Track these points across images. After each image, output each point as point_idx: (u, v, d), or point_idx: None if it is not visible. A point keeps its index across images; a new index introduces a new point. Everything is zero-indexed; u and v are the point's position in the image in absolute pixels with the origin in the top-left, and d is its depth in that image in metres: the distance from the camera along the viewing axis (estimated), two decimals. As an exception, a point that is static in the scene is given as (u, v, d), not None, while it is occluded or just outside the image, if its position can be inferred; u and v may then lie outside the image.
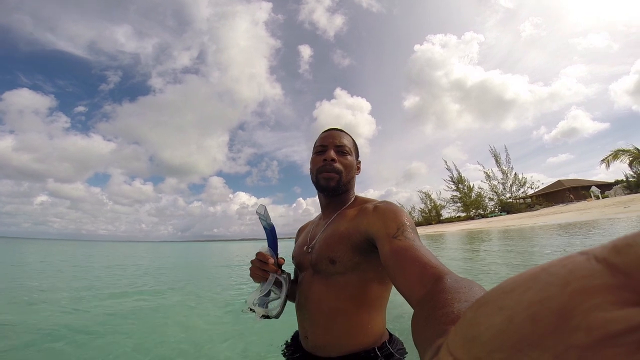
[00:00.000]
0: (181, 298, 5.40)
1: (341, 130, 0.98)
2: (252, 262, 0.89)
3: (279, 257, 0.89)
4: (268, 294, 0.86)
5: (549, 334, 0.10)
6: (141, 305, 4.79)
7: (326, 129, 0.99)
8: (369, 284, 0.80)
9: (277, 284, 0.87)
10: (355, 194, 0.99)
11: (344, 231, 0.83)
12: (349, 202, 0.95)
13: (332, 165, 0.90)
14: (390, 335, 0.88)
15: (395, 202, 0.80)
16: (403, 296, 0.54)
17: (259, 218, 0.89)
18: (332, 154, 0.90)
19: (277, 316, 0.85)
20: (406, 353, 0.86)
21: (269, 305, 0.85)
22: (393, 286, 0.77)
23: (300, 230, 1.14)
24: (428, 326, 0.34)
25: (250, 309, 0.83)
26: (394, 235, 0.66)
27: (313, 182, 0.96)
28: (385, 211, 0.74)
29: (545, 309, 0.11)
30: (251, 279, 0.89)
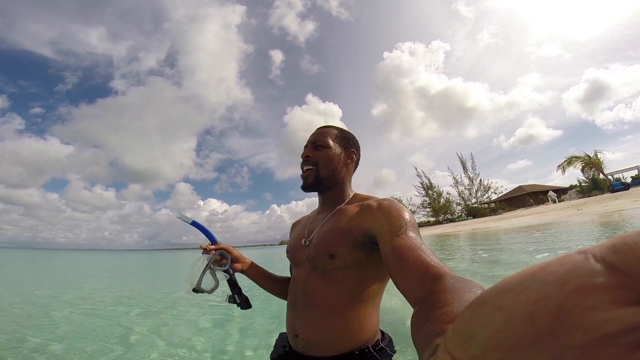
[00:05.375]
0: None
1: (325, 127, 0.97)
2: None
3: (216, 242, 1.00)
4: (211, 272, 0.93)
5: (546, 333, 0.10)
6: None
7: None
8: (367, 280, 0.79)
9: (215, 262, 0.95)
10: (354, 191, 0.97)
11: (345, 227, 0.81)
12: (348, 199, 0.93)
13: (307, 161, 0.91)
14: (383, 333, 0.87)
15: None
16: (403, 295, 0.54)
17: (183, 220, 1.00)
18: (306, 150, 0.93)
19: (208, 290, 0.90)
20: (395, 352, 0.86)
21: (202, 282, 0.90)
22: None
23: (294, 225, 1.12)
24: (427, 325, 0.34)
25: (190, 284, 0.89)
26: (396, 233, 0.65)
27: None
28: (389, 209, 0.73)
29: (542, 309, 0.10)
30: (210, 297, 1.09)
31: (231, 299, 0.96)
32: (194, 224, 1.01)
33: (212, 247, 0.96)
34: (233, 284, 0.98)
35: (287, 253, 1.01)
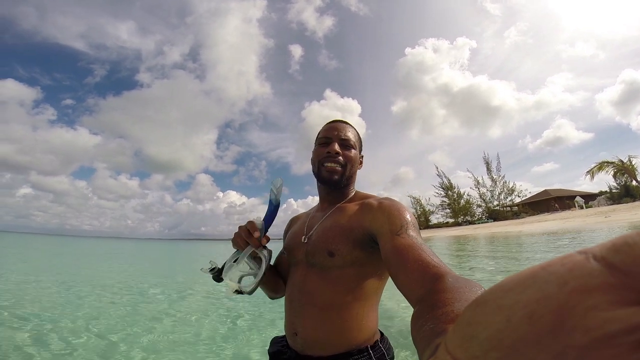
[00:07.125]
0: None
1: (346, 123, 0.96)
2: (239, 227, 0.86)
3: (266, 234, 0.85)
4: (242, 266, 0.84)
5: (547, 333, 0.10)
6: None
7: (330, 120, 0.97)
8: (366, 279, 0.79)
9: (257, 259, 0.84)
10: (355, 189, 0.97)
11: (345, 225, 0.81)
12: (349, 196, 0.93)
13: (336, 159, 0.88)
14: (382, 334, 0.86)
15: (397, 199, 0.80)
16: (403, 294, 0.54)
17: (271, 190, 0.88)
18: (337, 147, 0.89)
19: (250, 292, 0.82)
20: (393, 358, 0.84)
21: (242, 280, 0.83)
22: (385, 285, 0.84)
23: (293, 221, 1.10)
24: (427, 325, 0.34)
25: (223, 279, 0.81)
26: (397, 233, 0.65)
27: (314, 174, 0.94)
28: (389, 208, 0.73)
29: (543, 308, 0.10)
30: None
31: (213, 270, 0.85)
32: (276, 206, 0.89)
33: (265, 240, 0.83)
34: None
35: (284, 250, 0.99)
